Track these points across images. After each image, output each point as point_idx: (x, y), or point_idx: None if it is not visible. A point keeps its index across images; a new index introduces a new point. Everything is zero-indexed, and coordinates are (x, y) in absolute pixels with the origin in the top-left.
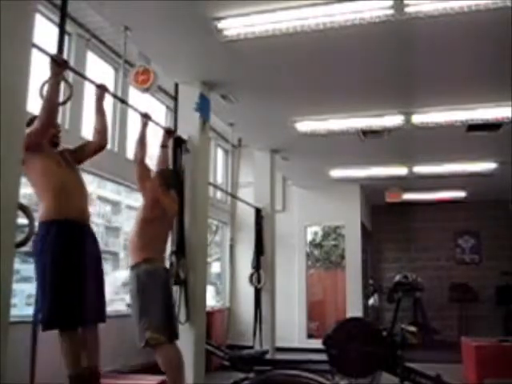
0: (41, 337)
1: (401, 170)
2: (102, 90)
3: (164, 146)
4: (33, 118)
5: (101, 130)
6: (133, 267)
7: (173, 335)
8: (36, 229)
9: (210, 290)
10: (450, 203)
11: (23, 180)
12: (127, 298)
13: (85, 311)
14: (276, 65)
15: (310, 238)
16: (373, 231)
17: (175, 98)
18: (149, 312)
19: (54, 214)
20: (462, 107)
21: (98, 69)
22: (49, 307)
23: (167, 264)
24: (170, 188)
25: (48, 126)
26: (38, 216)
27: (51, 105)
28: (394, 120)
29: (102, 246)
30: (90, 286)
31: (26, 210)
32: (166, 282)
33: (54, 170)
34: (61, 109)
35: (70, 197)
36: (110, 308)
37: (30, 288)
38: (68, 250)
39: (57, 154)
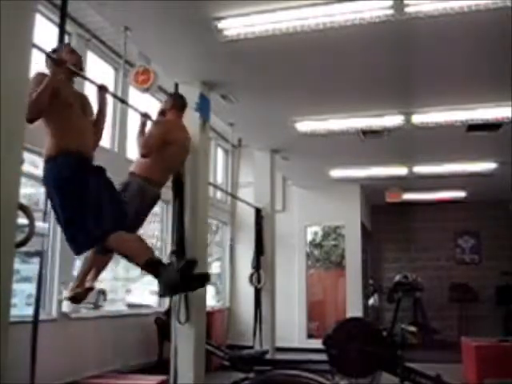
0: (41, 337)
1: (401, 170)
2: (103, 90)
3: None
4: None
5: (99, 131)
6: (131, 174)
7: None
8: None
9: (210, 290)
10: (450, 203)
11: (23, 180)
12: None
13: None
14: (276, 65)
15: (310, 238)
16: (373, 231)
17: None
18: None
19: (60, 149)
20: (462, 107)
21: (98, 69)
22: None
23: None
24: (182, 111)
25: (31, 119)
26: (44, 151)
27: (40, 101)
28: (394, 120)
29: None
30: (106, 202)
31: (26, 210)
32: (147, 204)
33: (66, 111)
34: None
35: (78, 136)
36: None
37: (30, 288)
38: (80, 178)
39: (74, 94)
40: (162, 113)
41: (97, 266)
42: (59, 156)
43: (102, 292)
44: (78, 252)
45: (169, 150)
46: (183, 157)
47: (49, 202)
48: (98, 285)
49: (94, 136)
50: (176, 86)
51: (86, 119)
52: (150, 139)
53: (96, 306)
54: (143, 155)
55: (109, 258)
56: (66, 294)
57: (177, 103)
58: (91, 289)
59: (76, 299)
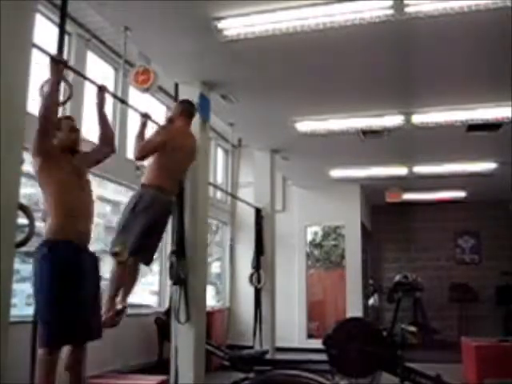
0: None
1: (401, 170)
2: (102, 91)
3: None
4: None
5: (104, 137)
6: (143, 185)
7: (142, 260)
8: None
9: (209, 290)
10: (450, 203)
11: (23, 180)
12: None
13: (81, 330)
14: (276, 65)
15: (310, 238)
16: (373, 231)
17: (175, 98)
18: (131, 231)
19: (58, 234)
20: (462, 107)
21: (98, 69)
22: (48, 326)
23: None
24: (191, 118)
25: (46, 125)
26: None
27: (49, 104)
28: (394, 120)
29: (102, 246)
30: (87, 307)
31: (26, 210)
32: (164, 213)
33: (65, 187)
34: (61, 109)
35: (77, 219)
36: None
37: (30, 288)
38: (68, 272)
39: (71, 163)
40: (170, 120)
41: (126, 284)
42: (50, 241)
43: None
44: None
45: (175, 157)
46: (189, 163)
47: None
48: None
49: (101, 144)
50: (176, 85)
51: (84, 191)
52: (148, 145)
53: None
54: (137, 158)
55: (138, 273)
56: None
57: (186, 110)
58: (123, 310)
59: (107, 324)
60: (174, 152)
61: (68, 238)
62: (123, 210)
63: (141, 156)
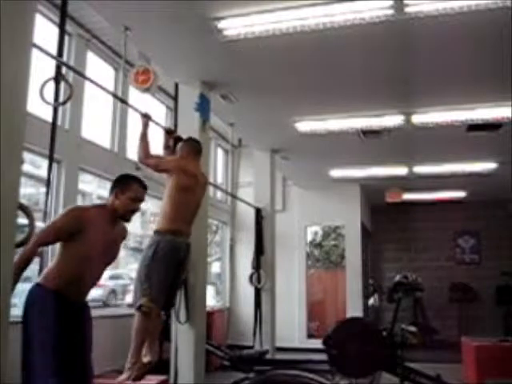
0: None
1: (401, 170)
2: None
3: (167, 147)
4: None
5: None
6: (157, 232)
7: (166, 308)
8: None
9: (209, 290)
10: (450, 203)
11: (23, 180)
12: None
13: None
14: (276, 65)
15: (310, 238)
16: (373, 231)
17: (175, 98)
18: (153, 281)
19: (55, 286)
20: (462, 107)
21: (98, 69)
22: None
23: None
24: (198, 157)
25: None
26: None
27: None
28: (394, 120)
29: None
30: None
31: (26, 210)
32: (182, 258)
33: (86, 253)
34: (61, 109)
35: (82, 285)
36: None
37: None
38: (60, 328)
39: (112, 235)
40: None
41: (150, 336)
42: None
43: (113, 291)
44: None
45: (188, 199)
46: (200, 202)
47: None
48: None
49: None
50: (176, 85)
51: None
52: (152, 160)
53: (105, 305)
54: (140, 161)
55: (159, 324)
56: (122, 376)
57: (193, 149)
58: (150, 363)
59: (135, 379)
60: (186, 194)
61: (64, 294)
62: (141, 259)
63: (144, 163)
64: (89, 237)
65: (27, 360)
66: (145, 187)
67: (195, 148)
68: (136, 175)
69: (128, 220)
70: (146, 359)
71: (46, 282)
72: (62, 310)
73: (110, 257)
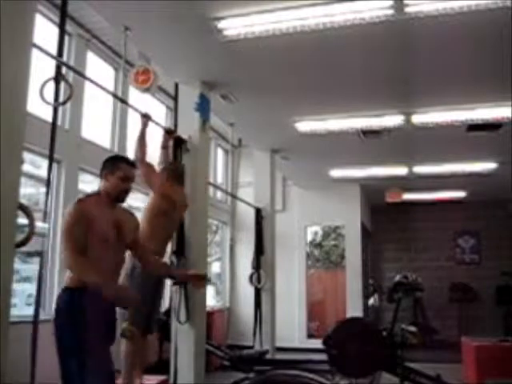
0: (41, 337)
1: (401, 170)
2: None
3: (165, 147)
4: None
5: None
6: (130, 256)
7: (147, 331)
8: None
9: (209, 290)
10: (450, 203)
11: (23, 180)
12: None
13: None
14: (276, 65)
15: (310, 238)
16: (373, 231)
17: (175, 98)
18: (134, 307)
19: (80, 283)
20: (462, 107)
21: (98, 69)
22: None
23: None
24: (179, 182)
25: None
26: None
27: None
28: (394, 120)
29: None
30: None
31: (26, 210)
32: (160, 280)
33: (97, 243)
34: (61, 109)
35: (103, 275)
36: None
37: (30, 288)
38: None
39: (113, 216)
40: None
41: (139, 360)
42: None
43: None
44: None
45: (165, 221)
46: (177, 224)
47: None
48: None
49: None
50: (176, 85)
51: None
52: (145, 168)
53: None
54: (136, 160)
55: (147, 345)
56: None
57: (173, 174)
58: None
59: None
60: (163, 218)
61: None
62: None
63: (140, 165)
64: (94, 226)
65: (67, 364)
66: (133, 165)
67: (174, 176)
68: (123, 155)
69: (122, 201)
70: (138, 381)
71: (70, 283)
72: (91, 307)
73: (122, 240)
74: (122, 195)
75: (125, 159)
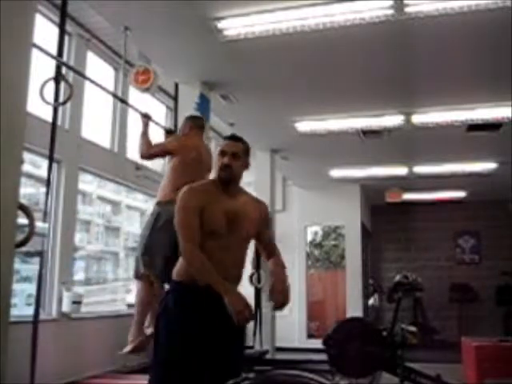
0: (41, 337)
1: (401, 170)
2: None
3: None
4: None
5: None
6: (158, 203)
7: (167, 279)
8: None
9: None
10: (450, 203)
11: (23, 180)
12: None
13: None
14: (276, 65)
15: (310, 238)
16: (373, 231)
17: (175, 98)
18: (153, 251)
19: (185, 277)
20: (462, 107)
21: (98, 69)
22: None
23: None
24: (202, 129)
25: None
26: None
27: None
28: (393, 120)
29: (101, 246)
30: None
31: (26, 210)
32: None
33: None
34: (61, 109)
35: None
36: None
37: (30, 288)
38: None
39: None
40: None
41: (152, 307)
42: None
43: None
44: None
45: (190, 169)
46: (205, 174)
47: None
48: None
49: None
50: (176, 85)
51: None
52: (156, 148)
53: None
54: (142, 157)
55: (161, 293)
56: (126, 348)
57: (195, 124)
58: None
59: (138, 349)
60: (189, 167)
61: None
62: (143, 229)
63: (146, 157)
64: (203, 214)
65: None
66: (229, 138)
67: (197, 123)
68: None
69: (225, 180)
70: (148, 330)
71: (176, 277)
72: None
73: (237, 232)
74: (220, 173)
75: (227, 136)
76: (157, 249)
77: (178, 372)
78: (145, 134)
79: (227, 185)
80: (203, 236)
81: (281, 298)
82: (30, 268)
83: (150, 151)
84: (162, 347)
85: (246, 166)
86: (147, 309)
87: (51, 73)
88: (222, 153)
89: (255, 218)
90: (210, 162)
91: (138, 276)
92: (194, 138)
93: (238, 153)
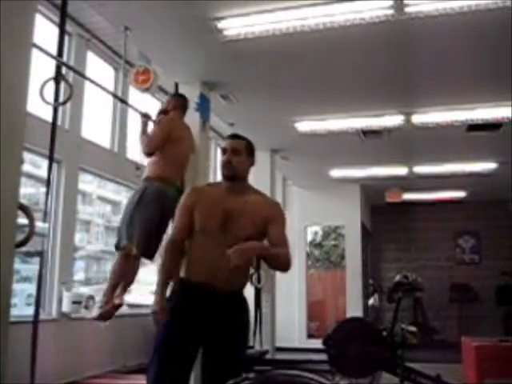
0: (41, 337)
1: (401, 170)
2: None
3: (144, 133)
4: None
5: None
6: (146, 179)
7: (146, 254)
8: None
9: None
10: (450, 203)
11: (23, 180)
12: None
13: None
14: (276, 65)
15: (310, 238)
16: (373, 231)
17: None
18: (137, 225)
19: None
20: (462, 107)
21: (98, 69)
22: None
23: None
24: (186, 108)
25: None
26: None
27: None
28: (393, 120)
29: (101, 246)
30: None
31: (26, 210)
32: (170, 206)
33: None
34: (61, 109)
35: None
36: None
37: (30, 288)
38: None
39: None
40: (162, 112)
41: (125, 280)
42: None
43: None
44: None
45: (177, 147)
46: (190, 154)
47: None
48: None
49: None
50: (176, 85)
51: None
52: (155, 139)
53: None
54: (146, 154)
55: (137, 269)
56: (93, 313)
57: (179, 103)
58: (120, 305)
59: (104, 317)
60: (174, 143)
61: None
62: (128, 202)
63: (149, 151)
64: (197, 212)
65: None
66: (230, 137)
67: (180, 103)
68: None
69: (229, 176)
70: (117, 301)
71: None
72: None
73: (234, 232)
74: (223, 170)
75: (228, 135)
76: (140, 223)
77: (175, 367)
78: (144, 133)
79: (232, 181)
80: (196, 234)
81: (237, 253)
82: (30, 268)
83: (152, 147)
84: (160, 343)
85: (250, 163)
86: (120, 280)
87: (51, 73)
88: (223, 150)
89: (259, 217)
90: (192, 141)
91: (118, 247)
92: (176, 117)
93: (238, 149)
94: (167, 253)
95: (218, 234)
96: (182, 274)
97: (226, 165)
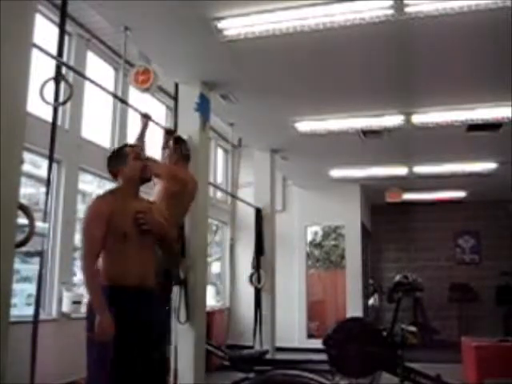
0: (41, 337)
1: (401, 170)
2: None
3: (165, 147)
4: None
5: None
6: None
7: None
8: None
9: (209, 290)
10: (450, 203)
11: (23, 180)
12: None
13: None
14: (276, 65)
15: (310, 238)
16: (373, 231)
17: (175, 98)
18: None
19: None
20: (462, 107)
21: (98, 69)
22: None
23: None
24: (189, 159)
25: None
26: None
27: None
28: (393, 120)
29: None
30: None
31: (26, 210)
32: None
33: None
34: (61, 109)
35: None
36: None
37: (30, 288)
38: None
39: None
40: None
41: None
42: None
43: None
44: None
45: (177, 203)
46: (189, 205)
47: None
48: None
49: None
50: (176, 85)
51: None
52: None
53: None
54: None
55: None
56: None
57: (183, 156)
58: None
59: None
60: (175, 199)
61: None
62: None
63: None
64: (114, 221)
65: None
66: (132, 145)
67: (184, 156)
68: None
69: (148, 179)
70: None
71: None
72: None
73: (147, 233)
74: (144, 173)
75: (124, 146)
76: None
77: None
78: (141, 136)
79: (143, 182)
80: (115, 239)
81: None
82: (30, 268)
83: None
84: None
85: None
86: None
87: (51, 73)
88: (138, 156)
89: (159, 216)
90: (192, 195)
91: None
92: (180, 169)
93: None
94: (92, 268)
95: (135, 239)
96: (107, 281)
97: (145, 169)
